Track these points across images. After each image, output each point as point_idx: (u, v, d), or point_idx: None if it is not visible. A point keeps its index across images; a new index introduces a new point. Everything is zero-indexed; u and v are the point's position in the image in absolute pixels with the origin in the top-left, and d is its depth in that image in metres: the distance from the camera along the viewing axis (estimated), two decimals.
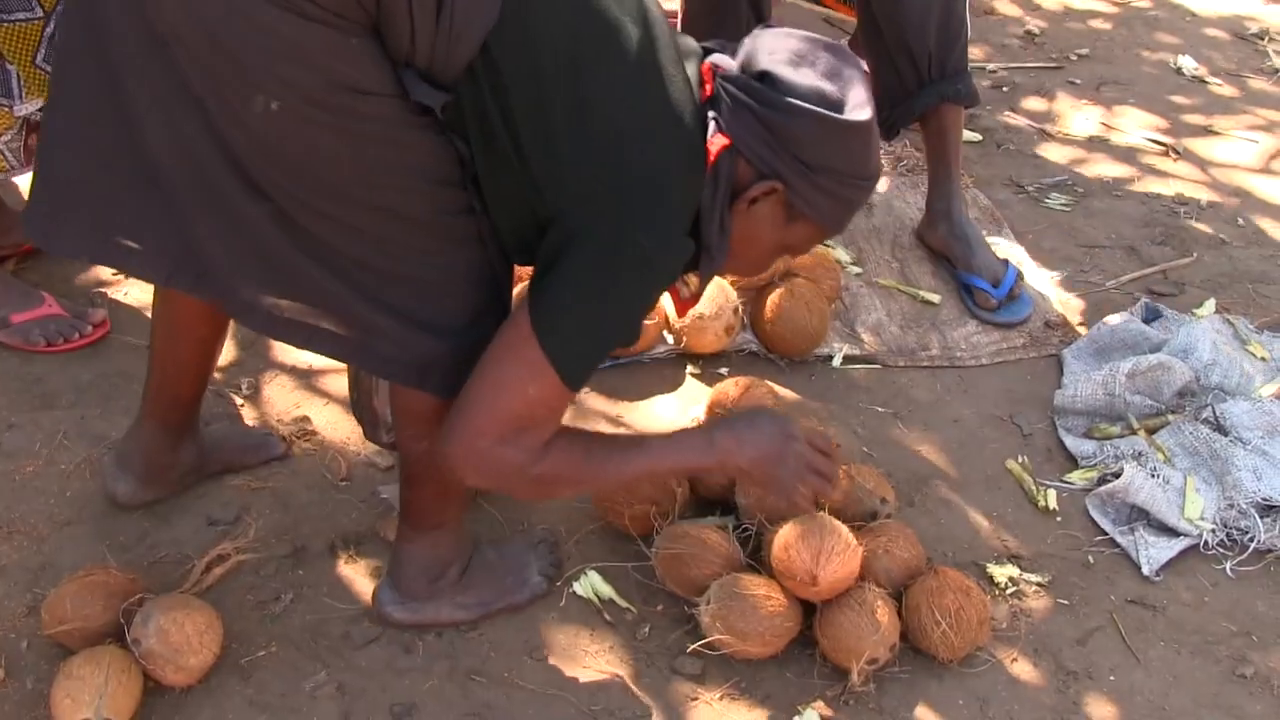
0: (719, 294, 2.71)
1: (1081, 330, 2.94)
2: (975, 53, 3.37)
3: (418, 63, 1.65)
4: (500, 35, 1.64)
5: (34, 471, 2.37)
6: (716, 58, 1.82)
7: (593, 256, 1.71)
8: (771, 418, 2.00)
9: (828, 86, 1.74)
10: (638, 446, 1.94)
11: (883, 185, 3.45)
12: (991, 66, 4.10)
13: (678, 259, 1.78)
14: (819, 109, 1.73)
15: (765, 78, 1.75)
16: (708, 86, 1.79)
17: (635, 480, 2.10)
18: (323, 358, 2.19)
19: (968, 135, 3.54)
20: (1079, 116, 3.88)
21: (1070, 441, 2.63)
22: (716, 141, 1.76)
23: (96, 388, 2.57)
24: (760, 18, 3.30)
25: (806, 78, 1.74)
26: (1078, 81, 4.07)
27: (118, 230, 1.76)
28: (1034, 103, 3.94)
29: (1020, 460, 2.59)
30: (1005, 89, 3.99)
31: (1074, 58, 4.22)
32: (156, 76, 1.64)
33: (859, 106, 1.75)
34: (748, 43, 1.82)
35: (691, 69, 1.79)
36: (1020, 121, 3.82)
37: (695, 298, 2.05)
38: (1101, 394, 2.65)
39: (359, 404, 2.27)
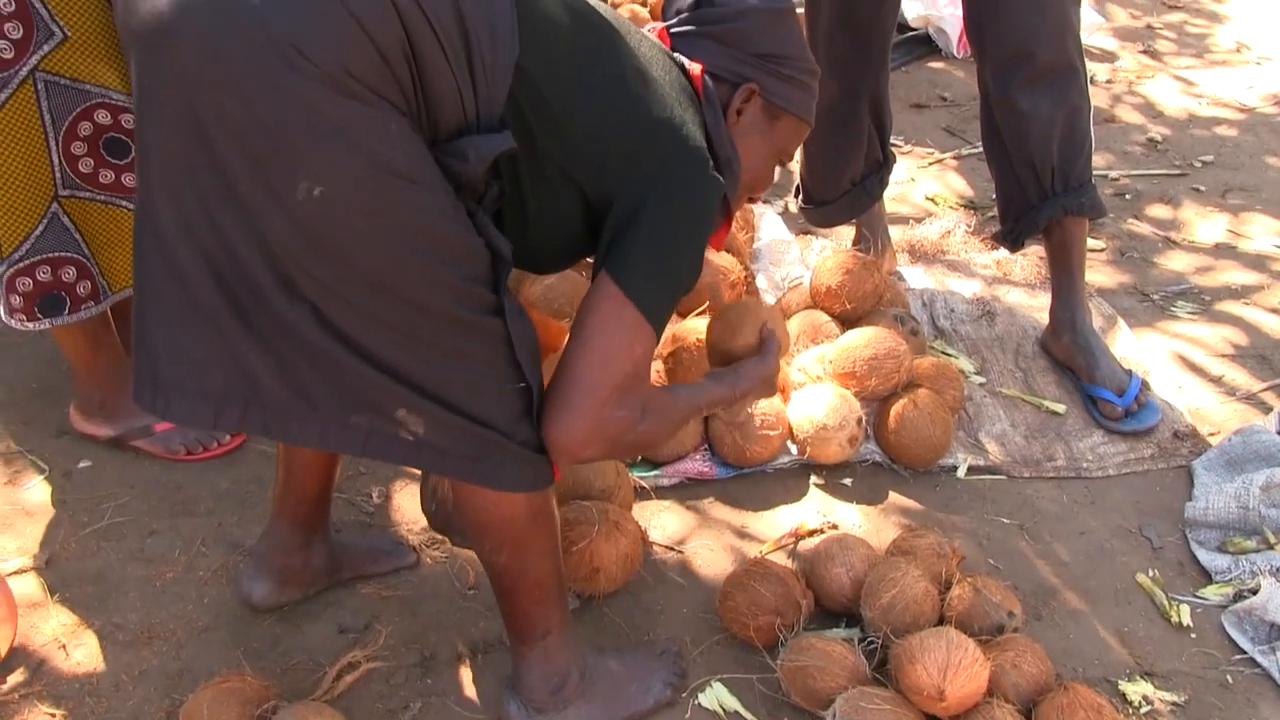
0: (842, 404, 2.72)
1: (1212, 441, 2.89)
2: (1098, 160, 3.38)
3: (469, 117, 1.71)
4: (524, 48, 1.73)
5: (173, 578, 2.44)
6: (653, 23, 2.11)
7: (659, 216, 1.81)
8: (772, 358, 2.18)
9: None
10: (688, 390, 2.05)
11: (1005, 294, 3.45)
12: (1114, 174, 4.09)
13: (717, 190, 1.89)
14: (752, 6, 2.00)
15: (699, 4, 2.03)
16: (666, 42, 2.04)
17: (690, 418, 2.16)
18: None
19: (1091, 243, 3.53)
20: (1205, 224, 3.84)
21: (1203, 555, 2.57)
22: (694, 69, 1.99)
23: (233, 495, 2.65)
24: (883, 134, 3.35)
25: None
26: (1202, 188, 4.04)
27: (165, 378, 1.78)
28: (1158, 210, 3.91)
29: (1151, 574, 2.54)
30: (1129, 196, 3.97)
31: (1198, 164, 4.19)
32: (195, 182, 1.64)
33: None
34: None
35: (648, 36, 2.01)
36: (1144, 229, 3.80)
37: (726, 228, 2.13)
38: (1235, 507, 2.60)
39: (431, 511, 2.30)
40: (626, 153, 1.82)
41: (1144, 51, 5.08)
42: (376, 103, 1.60)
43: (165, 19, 1.58)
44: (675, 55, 2.00)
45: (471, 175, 1.73)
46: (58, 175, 2.43)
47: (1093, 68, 4.79)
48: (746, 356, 2.20)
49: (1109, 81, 4.80)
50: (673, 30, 2.05)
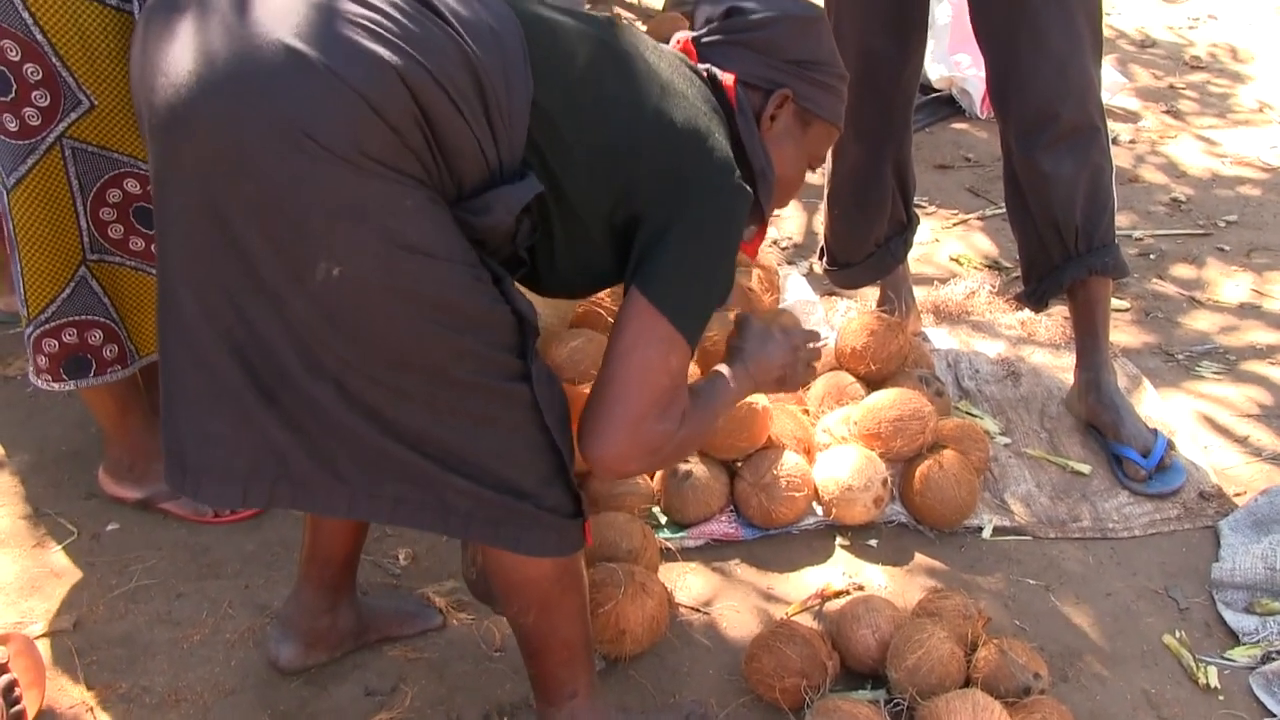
0: (868, 465, 2.73)
1: (1238, 501, 2.88)
2: (1121, 220, 3.39)
3: (492, 165, 1.72)
4: (538, 82, 1.74)
5: (200, 640, 2.45)
6: (679, 34, 2.10)
7: (688, 229, 1.82)
8: (774, 336, 2.16)
9: (781, 0, 2.05)
10: (713, 389, 2.04)
11: (1030, 354, 3.45)
12: (1138, 233, 4.10)
13: (745, 200, 1.89)
14: (785, 13, 2.03)
15: (730, 13, 2.04)
16: (691, 55, 2.05)
17: (722, 416, 2.13)
18: None
19: (1115, 303, 3.53)
20: (1229, 283, 3.84)
21: (1230, 617, 2.56)
22: (726, 78, 2.00)
23: (260, 557, 2.66)
24: (906, 196, 3.37)
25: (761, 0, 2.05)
26: (1226, 248, 4.04)
27: (193, 459, 1.80)
28: (1182, 269, 3.92)
29: (1178, 635, 2.53)
30: (1152, 256, 3.98)
31: (1222, 224, 4.19)
32: (215, 267, 1.66)
33: (809, 7, 2.07)
34: (699, 10, 2.11)
35: (667, 50, 2.02)
36: (1169, 289, 3.80)
37: (761, 235, 2.15)
38: (1262, 568, 2.58)
39: (472, 579, 2.30)
40: (652, 171, 1.82)
41: (1167, 111, 5.10)
42: (392, 178, 1.61)
43: (178, 109, 1.60)
44: (700, 67, 2.01)
45: (500, 228, 1.75)
46: (86, 240, 2.46)
47: (1116, 128, 4.81)
48: None
49: (1132, 142, 4.82)
50: (703, 40, 2.06)
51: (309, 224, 1.60)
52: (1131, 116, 5.05)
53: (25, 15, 2.24)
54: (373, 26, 1.60)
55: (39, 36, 2.26)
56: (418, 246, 1.64)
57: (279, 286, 1.64)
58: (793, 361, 2.18)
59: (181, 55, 1.60)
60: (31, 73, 2.29)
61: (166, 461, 1.82)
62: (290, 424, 1.73)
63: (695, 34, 2.07)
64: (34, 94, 2.31)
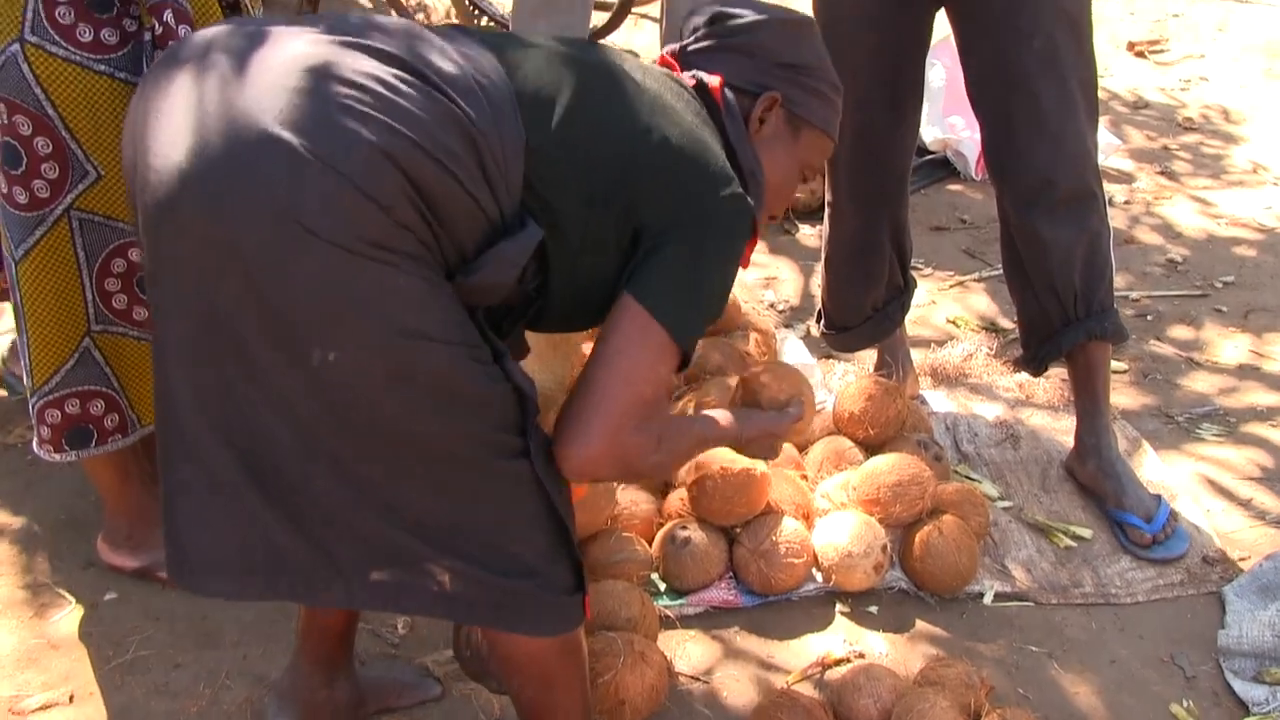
0: (867, 531, 2.72)
1: (1243, 566, 2.87)
2: (1118, 281, 3.39)
3: (493, 218, 1.71)
4: (531, 130, 1.74)
5: (197, 712, 2.43)
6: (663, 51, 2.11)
7: (687, 240, 1.79)
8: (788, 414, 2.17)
9: (765, 6, 2.05)
10: (701, 422, 2.03)
11: (1029, 417, 3.45)
12: (1135, 294, 4.11)
13: (747, 212, 1.86)
14: (772, 17, 2.02)
15: (716, 19, 2.03)
16: (674, 68, 2.04)
17: (698, 452, 2.11)
18: None
19: (1114, 365, 3.53)
20: (1227, 344, 3.85)
21: (1239, 685, 2.54)
22: (712, 81, 1.97)
23: (258, 626, 2.64)
24: (903, 260, 3.38)
25: (745, 4, 2.04)
26: (1224, 309, 4.05)
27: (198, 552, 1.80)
28: (1180, 331, 3.93)
29: (1185, 704, 2.51)
30: (1150, 317, 3.99)
31: (1219, 285, 4.20)
32: (209, 356, 1.67)
33: (798, 13, 2.08)
34: (688, 22, 2.10)
35: (652, 66, 2.00)
36: (1167, 350, 3.81)
37: (753, 242, 2.07)
38: (1270, 635, 2.57)
39: (465, 657, 2.28)
40: (651, 189, 1.80)
41: (1161, 173, 5.13)
42: (388, 260, 1.60)
43: (167, 205, 1.61)
44: (684, 77, 1.99)
45: (506, 284, 1.74)
46: (91, 311, 2.47)
47: (1111, 189, 4.83)
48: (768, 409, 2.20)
49: (1127, 203, 4.84)
50: (690, 49, 2.05)
51: (302, 312, 1.60)
52: (1126, 178, 5.08)
53: (38, 91, 2.27)
54: (357, 105, 1.60)
55: (50, 111, 2.28)
56: (415, 331, 1.64)
57: (274, 374, 1.64)
58: (778, 438, 2.18)
59: (169, 147, 1.61)
60: (42, 146, 2.31)
61: (167, 552, 1.83)
62: (287, 515, 1.72)
63: (681, 44, 2.07)
64: (43, 166, 2.32)
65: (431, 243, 1.66)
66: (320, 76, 1.61)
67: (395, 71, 1.66)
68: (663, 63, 2.06)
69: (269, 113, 1.57)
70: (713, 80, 1.97)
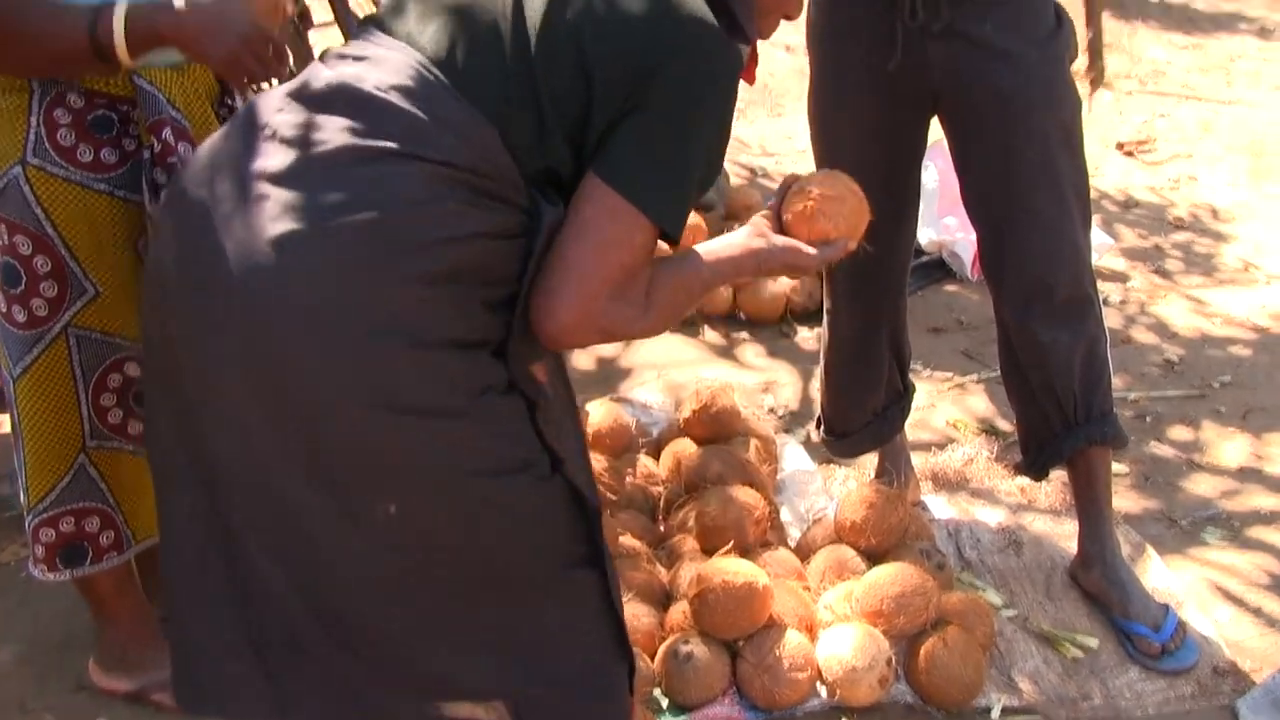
0: (871, 644, 2.68)
1: (1255, 677, 2.82)
2: (1116, 381, 3.37)
3: (523, 228, 1.70)
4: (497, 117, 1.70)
5: None
6: None
7: (653, 103, 1.70)
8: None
9: None
10: (699, 264, 1.88)
11: (1031, 522, 3.42)
12: (1132, 395, 4.10)
13: (733, 56, 1.76)
14: None
15: None
16: None
17: (710, 290, 1.99)
18: None
19: (1115, 467, 3.50)
20: (1228, 446, 3.83)
21: None
22: None
23: None
24: (902, 364, 3.37)
25: None
26: (1222, 409, 4.04)
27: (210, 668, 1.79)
28: (1179, 432, 3.91)
29: None
30: (1149, 418, 3.98)
31: (1216, 385, 4.19)
32: (248, 519, 1.70)
33: None
34: None
35: None
36: (1167, 452, 3.79)
37: (753, 61, 1.99)
38: None
39: None
40: (623, 70, 1.71)
41: (1155, 271, 5.15)
42: (442, 407, 1.63)
43: (200, 361, 1.65)
44: None
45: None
46: (86, 427, 2.45)
47: (1105, 288, 4.84)
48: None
49: (1122, 302, 4.85)
50: None
51: (359, 467, 1.62)
52: (1120, 276, 5.09)
53: (38, 211, 2.28)
54: (354, 219, 1.61)
55: (50, 230, 2.29)
56: (480, 470, 1.65)
57: (320, 520, 1.64)
58: (808, 271, 2.01)
59: (192, 290, 1.65)
60: (41, 265, 2.31)
61: (174, 672, 1.80)
62: (326, 671, 1.72)
63: None
64: (42, 285, 2.33)
65: (484, 322, 1.69)
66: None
67: (365, 159, 1.65)
68: None
69: (294, 257, 1.61)
70: None
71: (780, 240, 1.95)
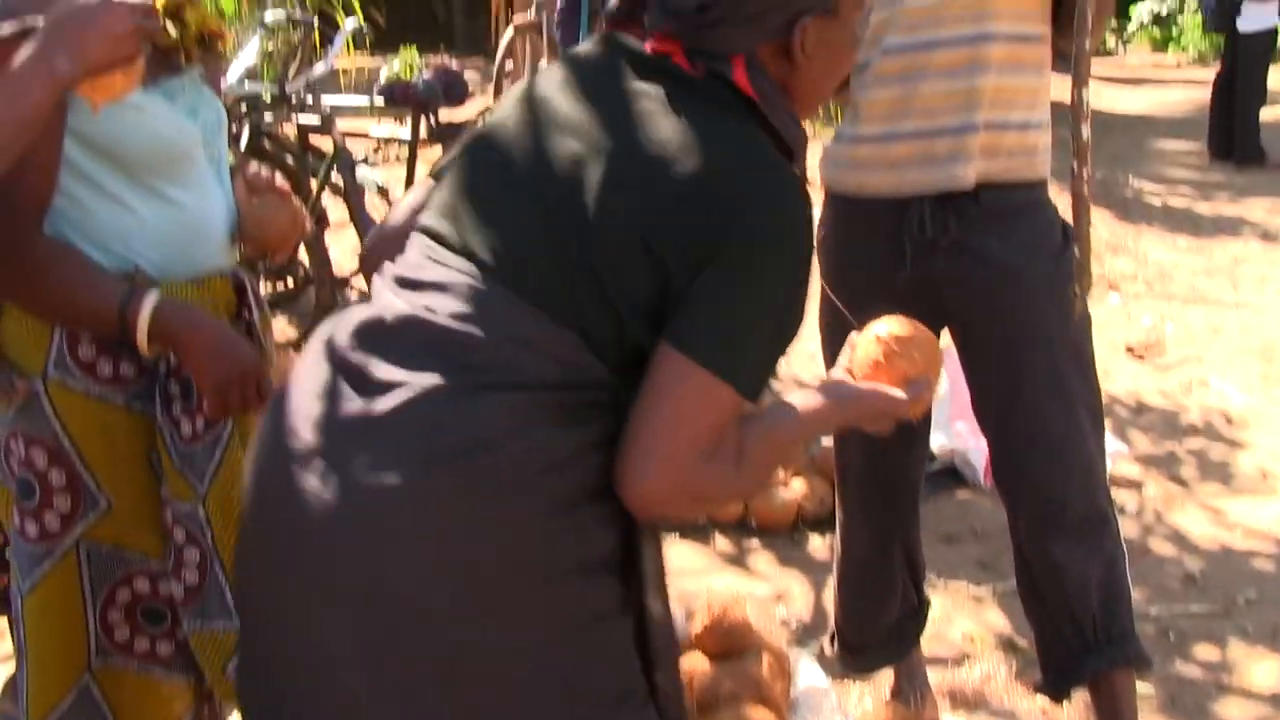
0: None
1: None
2: (1136, 595, 3.29)
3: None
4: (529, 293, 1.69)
5: None
6: (623, 43, 1.83)
7: (727, 261, 1.65)
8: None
9: None
10: (788, 420, 1.80)
11: None
12: (1154, 611, 4.01)
13: (785, 185, 1.71)
14: None
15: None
16: (675, 54, 1.78)
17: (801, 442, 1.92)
18: None
19: (1140, 688, 3.41)
20: (1258, 668, 3.73)
21: None
22: (736, 68, 1.75)
23: None
24: (916, 579, 3.31)
25: None
26: (1249, 628, 3.94)
27: None
28: (1205, 650, 3.82)
29: None
30: (1172, 636, 3.89)
31: (1241, 602, 4.11)
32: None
33: None
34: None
35: (625, 77, 1.79)
36: (1194, 672, 3.69)
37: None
38: None
39: None
40: (694, 240, 1.66)
41: (1170, 479, 5.11)
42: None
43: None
44: (683, 68, 1.78)
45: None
46: (91, 644, 2.39)
47: (1120, 496, 4.78)
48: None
49: (1138, 511, 4.80)
50: (656, 39, 1.81)
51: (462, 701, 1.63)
52: (1134, 484, 5.05)
53: (56, 424, 2.27)
54: (451, 466, 1.62)
55: (66, 443, 2.28)
56: (580, 699, 1.66)
57: None
58: (900, 416, 1.91)
59: (280, 535, 1.69)
60: (55, 478, 2.29)
61: None
62: None
63: (656, 45, 1.81)
64: (56, 498, 2.30)
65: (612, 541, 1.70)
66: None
67: (446, 397, 1.65)
68: (657, 48, 1.81)
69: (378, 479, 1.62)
70: (736, 67, 1.76)
71: (866, 385, 1.90)
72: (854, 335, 2.03)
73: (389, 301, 1.74)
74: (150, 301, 2.18)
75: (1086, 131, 2.74)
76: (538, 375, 1.64)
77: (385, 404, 1.64)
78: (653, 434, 1.63)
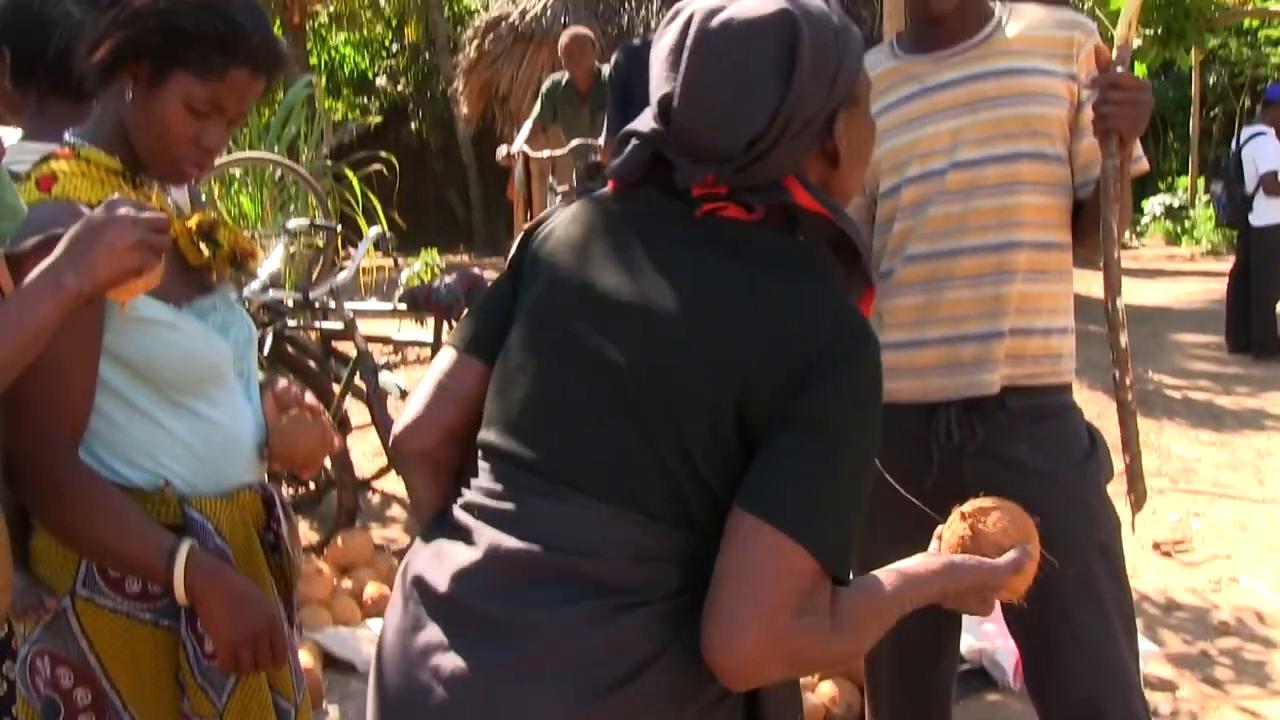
0: None
1: None
2: None
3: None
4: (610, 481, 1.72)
5: None
6: (661, 201, 1.81)
7: (816, 415, 1.64)
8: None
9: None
10: (893, 581, 1.77)
11: None
12: None
13: (857, 331, 1.70)
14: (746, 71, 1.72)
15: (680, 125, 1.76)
16: (735, 212, 1.77)
17: (898, 615, 1.80)
18: None
19: None
20: None
21: None
22: (795, 191, 1.73)
23: None
24: None
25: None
26: None
27: None
28: None
29: None
30: None
31: None
32: None
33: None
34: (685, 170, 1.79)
35: (679, 245, 1.77)
36: None
37: (870, 295, 1.82)
38: None
39: None
40: (769, 400, 1.66)
41: (1204, 680, 5.01)
42: None
43: None
44: (729, 210, 1.77)
45: None
46: None
47: (1153, 699, 4.69)
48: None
49: (1173, 714, 4.70)
50: (706, 181, 1.78)
51: None
52: (1168, 685, 4.95)
53: (84, 643, 2.27)
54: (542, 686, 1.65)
55: (93, 661, 2.27)
56: None
57: None
58: (1000, 587, 1.90)
59: None
60: (81, 697, 2.28)
61: None
62: None
63: (715, 179, 1.79)
64: (80, 718, 2.28)
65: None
66: None
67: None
68: (706, 201, 1.79)
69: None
70: (796, 193, 1.75)
71: (969, 557, 1.89)
72: (939, 528, 2.04)
73: (492, 537, 1.75)
74: (181, 558, 2.20)
75: (1125, 339, 2.73)
76: (664, 587, 1.67)
77: (528, 646, 1.65)
78: (741, 595, 1.60)
